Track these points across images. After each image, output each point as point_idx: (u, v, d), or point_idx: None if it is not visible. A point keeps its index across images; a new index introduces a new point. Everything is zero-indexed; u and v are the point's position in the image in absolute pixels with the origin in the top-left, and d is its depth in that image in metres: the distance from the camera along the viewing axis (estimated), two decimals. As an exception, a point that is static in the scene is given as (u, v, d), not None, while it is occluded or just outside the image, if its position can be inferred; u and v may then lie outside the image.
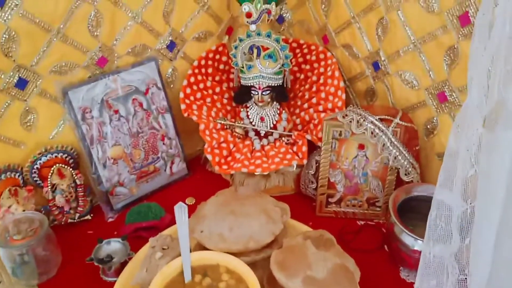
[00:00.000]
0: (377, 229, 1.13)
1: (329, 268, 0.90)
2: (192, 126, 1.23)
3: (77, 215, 1.13)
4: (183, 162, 1.28)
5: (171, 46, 1.20)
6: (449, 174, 0.74)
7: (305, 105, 1.24)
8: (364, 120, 1.05)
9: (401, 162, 1.06)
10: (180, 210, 0.95)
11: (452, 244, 0.76)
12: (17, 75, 0.98)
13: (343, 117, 1.07)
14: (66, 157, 1.10)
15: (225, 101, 1.26)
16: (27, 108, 1.03)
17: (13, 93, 1.00)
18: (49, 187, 1.08)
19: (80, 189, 1.11)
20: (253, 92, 1.18)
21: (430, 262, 0.80)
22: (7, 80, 0.98)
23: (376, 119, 1.05)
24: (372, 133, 1.05)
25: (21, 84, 0.99)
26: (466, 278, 0.75)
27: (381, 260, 1.06)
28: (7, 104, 1.00)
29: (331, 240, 0.98)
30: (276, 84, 1.17)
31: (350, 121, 1.05)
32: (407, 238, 0.97)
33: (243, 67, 1.16)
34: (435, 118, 1.07)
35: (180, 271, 0.95)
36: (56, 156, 1.08)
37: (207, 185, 1.26)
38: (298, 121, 1.24)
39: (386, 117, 1.06)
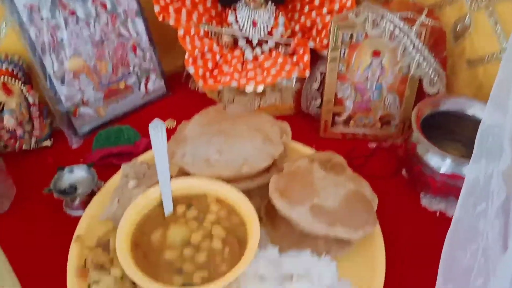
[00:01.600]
0: (392, 152, 0.96)
1: (342, 195, 0.73)
2: (171, 35, 1.01)
3: (34, 139, 0.93)
4: (161, 78, 1.07)
5: None
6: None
7: (306, 9, 1.03)
8: (381, 19, 0.85)
9: (425, 70, 0.87)
10: (157, 128, 0.76)
11: (502, 159, 0.60)
12: None
13: (355, 15, 0.86)
14: (12, 69, 0.88)
15: (208, 4, 1.03)
16: (-45, 3, 0.81)
17: None
18: (-6, 105, 0.87)
19: (34, 108, 0.91)
20: (243, -12, 0.96)
21: (473, 185, 0.63)
22: None
23: (396, 17, 0.85)
24: (391, 34, 0.85)
25: None
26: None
27: (397, 187, 0.91)
28: None
29: (342, 164, 0.81)
30: (271, -22, 0.95)
31: (365, 20, 0.85)
32: (433, 159, 0.80)
33: (230, -43, 0.94)
34: (467, 17, 0.87)
35: (158, 202, 0.77)
36: (-1, 68, 0.87)
37: (190, 106, 1.05)
38: (297, 27, 1.03)
39: (409, 14, 0.86)
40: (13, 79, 0.88)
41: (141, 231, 0.74)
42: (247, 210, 0.75)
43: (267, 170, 0.81)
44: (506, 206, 0.61)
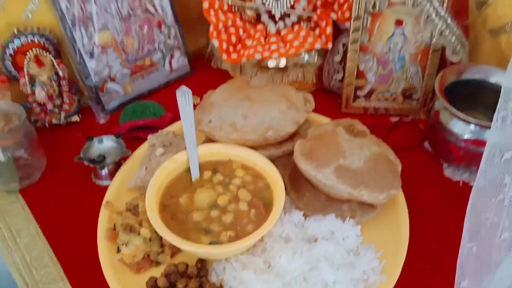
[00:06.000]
0: (414, 126, 0.97)
1: (367, 156, 0.74)
2: (195, 14, 1.04)
3: (63, 114, 0.96)
4: (185, 56, 1.09)
5: None
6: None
7: (328, -17, 1.04)
8: (404, -13, 0.85)
9: (448, 38, 0.87)
10: (184, 94, 0.78)
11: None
12: None
13: (379, -16, 0.87)
14: (44, 42, 0.91)
15: (232, -20, 1.05)
16: (-10, -26, 0.84)
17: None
18: (27, 78, 0.90)
19: (64, 82, 0.94)
20: (266, -37, 0.97)
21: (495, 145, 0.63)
22: None
23: (419, -15, 0.85)
24: (414, 1, 0.85)
25: None
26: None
27: (421, 158, 0.91)
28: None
29: (364, 131, 0.82)
30: (294, -48, 0.96)
31: (388, -12, 0.86)
32: (457, 125, 0.80)
33: None
34: (491, -17, 0.88)
35: (185, 167, 0.79)
36: (32, 40, 0.90)
37: (213, 83, 1.06)
38: (319, 3, 1.04)
39: (432, -18, 0.86)
40: (45, 52, 0.90)
41: (169, 194, 0.76)
42: (272, 174, 0.76)
43: (291, 138, 0.83)
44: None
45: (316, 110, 0.88)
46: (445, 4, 0.85)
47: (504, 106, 0.58)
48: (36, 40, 0.90)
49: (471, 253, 0.65)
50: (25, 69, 0.90)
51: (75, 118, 0.99)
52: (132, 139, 0.95)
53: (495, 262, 0.64)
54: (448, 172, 0.87)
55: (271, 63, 0.99)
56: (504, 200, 0.62)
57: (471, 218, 0.65)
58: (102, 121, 1.00)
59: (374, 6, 0.88)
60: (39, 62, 0.90)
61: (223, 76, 1.09)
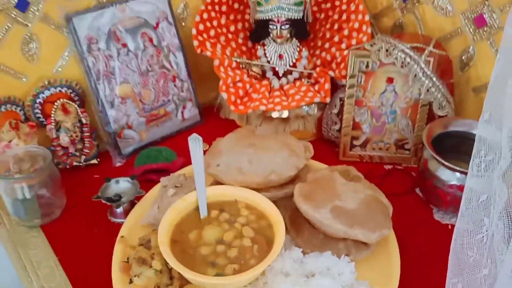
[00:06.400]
0: (406, 173, 1.05)
1: (361, 199, 0.81)
2: (206, 70, 1.15)
3: (83, 157, 1.05)
4: (196, 107, 1.19)
5: (183, -22, 1.12)
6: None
7: (326, 45, 1.15)
8: (393, 49, 0.96)
9: (435, 95, 0.97)
10: (195, 141, 0.87)
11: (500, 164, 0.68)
12: (17, -7, 0.91)
13: (371, 46, 0.98)
14: (71, 93, 1.02)
15: (240, 40, 1.18)
16: (29, 34, 0.96)
17: (13, 15, 0.92)
18: (53, 124, 1.00)
19: (86, 129, 1.03)
20: (271, 27, 1.09)
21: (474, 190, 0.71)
22: (7, -1, 0.91)
23: (407, 47, 0.96)
24: (402, 62, 0.96)
25: (22, 5, 0.92)
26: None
27: (412, 203, 0.98)
28: (7, 27, 0.93)
29: (359, 176, 0.89)
30: (296, 17, 1.08)
31: (379, 50, 0.97)
32: (444, 172, 0.88)
33: (260, -1, 1.08)
34: (471, 48, 0.98)
35: (195, 207, 0.87)
36: (60, 91, 1.01)
37: (221, 132, 1.16)
38: (318, 62, 1.15)
39: (418, 45, 0.97)
40: (71, 102, 1.01)
41: (180, 230, 0.82)
42: (274, 214, 0.83)
43: (292, 181, 0.90)
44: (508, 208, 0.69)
45: (316, 157, 0.97)
46: (431, 65, 0.96)
47: (478, 154, 0.67)
48: (63, 91, 1.01)
49: (456, 288, 0.71)
50: (52, 117, 1.00)
51: (94, 161, 1.07)
52: (146, 181, 1.02)
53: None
54: (438, 215, 0.94)
55: (275, 114, 1.09)
56: (483, 239, 0.69)
57: (454, 256, 0.72)
58: (118, 164, 1.09)
59: (367, 66, 0.99)
60: (65, 110, 1.00)
61: (231, 126, 1.19)
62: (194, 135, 0.88)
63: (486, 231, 0.69)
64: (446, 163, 0.86)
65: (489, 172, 0.68)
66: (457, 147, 0.94)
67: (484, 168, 0.66)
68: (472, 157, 0.66)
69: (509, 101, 0.64)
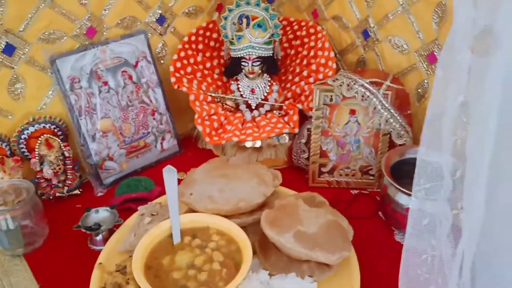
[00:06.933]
0: (371, 198, 1.11)
1: (321, 224, 0.87)
2: (184, 103, 1.22)
3: (66, 188, 1.11)
4: (174, 138, 1.26)
5: (160, 20, 1.20)
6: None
7: (296, 79, 1.24)
8: (354, 84, 1.04)
9: (393, 125, 1.04)
10: (169, 172, 0.93)
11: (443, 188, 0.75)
12: (4, 40, 0.98)
13: (334, 81, 1.06)
14: (54, 128, 1.08)
15: (215, 76, 1.26)
16: (15, 76, 1.03)
17: (1, 59, 0.99)
18: (37, 158, 1.06)
19: (69, 161, 1.10)
20: (243, 63, 1.17)
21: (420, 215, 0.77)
22: (-5, 45, 0.98)
23: (366, 82, 1.04)
24: (362, 96, 1.04)
25: (9, 50, 0.99)
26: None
27: (375, 226, 1.04)
28: (-6, 70, 1.00)
29: (324, 202, 0.96)
30: (266, 55, 1.16)
31: (341, 85, 1.05)
32: (402, 197, 0.95)
33: (233, 39, 1.16)
34: (425, 81, 1.06)
35: (168, 233, 0.92)
36: (44, 127, 1.07)
37: (199, 162, 1.22)
38: (289, 95, 1.24)
39: (377, 80, 1.05)
40: (54, 136, 1.07)
41: (154, 256, 0.88)
42: (243, 239, 0.89)
43: (261, 207, 0.96)
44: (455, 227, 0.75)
45: (286, 184, 1.04)
46: (389, 98, 1.04)
47: (418, 182, 0.74)
48: (47, 127, 1.07)
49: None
50: (36, 151, 1.06)
51: (76, 191, 1.13)
52: (126, 209, 1.08)
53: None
54: (398, 237, 1.00)
55: (248, 144, 1.16)
56: (428, 259, 0.76)
57: (405, 275, 0.78)
58: (99, 194, 1.14)
59: (331, 99, 1.07)
60: (48, 145, 1.06)
61: (208, 155, 1.25)
62: (169, 166, 0.94)
63: (433, 252, 0.76)
64: (402, 189, 0.93)
65: (429, 198, 0.74)
66: (413, 173, 1.01)
67: (424, 195, 0.73)
68: (413, 185, 0.73)
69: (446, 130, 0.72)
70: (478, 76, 0.63)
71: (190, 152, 1.30)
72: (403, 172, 1.00)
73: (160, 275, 0.84)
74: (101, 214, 1.02)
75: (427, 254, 0.75)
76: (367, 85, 1.04)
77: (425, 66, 1.05)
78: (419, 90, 1.08)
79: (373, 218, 1.06)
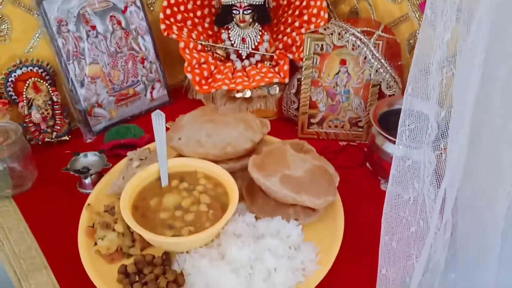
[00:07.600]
0: (359, 149, 1.12)
1: (307, 168, 0.88)
2: (175, 54, 1.20)
3: (55, 134, 1.10)
4: (164, 88, 1.25)
5: (150, -36, 1.17)
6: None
7: (288, 30, 1.22)
8: (345, 32, 1.03)
9: (383, 75, 1.04)
10: (158, 116, 0.94)
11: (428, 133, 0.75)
12: (-12, -22, 0.96)
13: (325, 29, 1.05)
14: (42, 72, 1.07)
15: (206, 25, 1.24)
16: (0, 16, 1.00)
17: (-15, -3, 0.97)
18: (25, 101, 1.05)
19: (57, 106, 1.09)
20: (234, 12, 1.15)
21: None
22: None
23: (357, 31, 1.03)
24: (353, 45, 1.03)
25: (-7, -13, 0.97)
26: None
27: (362, 175, 1.05)
28: (-22, 8, 0.97)
29: (311, 149, 0.97)
30: (257, 3, 1.14)
31: (332, 33, 1.04)
32: (389, 146, 0.96)
33: (224, -15, 1.14)
34: (417, 32, 1.05)
35: (157, 176, 0.93)
36: (31, 70, 1.06)
37: (189, 111, 1.23)
38: (280, 46, 1.22)
39: (368, 29, 1.04)
40: (42, 80, 1.06)
41: (141, 197, 0.89)
42: (230, 183, 0.90)
43: (249, 154, 0.97)
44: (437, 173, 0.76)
45: (276, 134, 1.04)
46: (380, 48, 1.03)
47: (403, 124, 0.74)
48: (35, 70, 1.06)
49: (389, 245, 0.79)
50: (24, 94, 1.05)
51: (65, 137, 1.13)
52: (115, 156, 1.08)
53: (408, 253, 0.78)
54: (384, 186, 1.01)
55: (238, 94, 1.16)
56: (410, 200, 0.77)
57: (386, 217, 0.79)
58: (88, 140, 1.14)
59: (321, 49, 1.06)
60: (36, 88, 1.05)
61: (198, 105, 1.24)
62: (157, 111, 0.94)
63: (417, 194, 0.77)
64: (390, 137, 0.94)
65: (413, 140, 0.75)
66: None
67: (408, 137, 0.74)
68: (399, 126, 0.73)
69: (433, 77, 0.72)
70: (467, 14, 0.63)
71: (180, 103, 1.29)
72: (391, 123, 1.00)
73: (147, 215, 0.86)
74: (90, 158, 1.02)
75: (409, 195, 0.76)
76: (358, 34, 1.03)
77: (417, 16, 1.04)
78: (410, 41, 1.08)
79: (360, 168, 1.07)
